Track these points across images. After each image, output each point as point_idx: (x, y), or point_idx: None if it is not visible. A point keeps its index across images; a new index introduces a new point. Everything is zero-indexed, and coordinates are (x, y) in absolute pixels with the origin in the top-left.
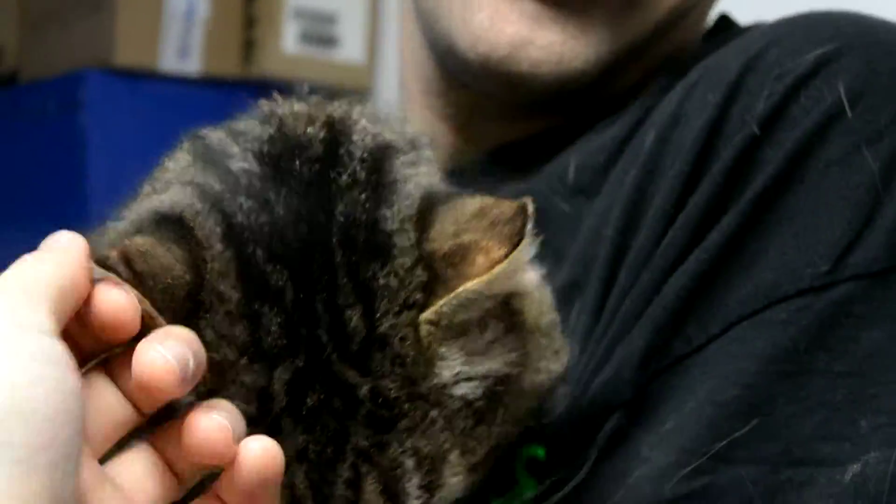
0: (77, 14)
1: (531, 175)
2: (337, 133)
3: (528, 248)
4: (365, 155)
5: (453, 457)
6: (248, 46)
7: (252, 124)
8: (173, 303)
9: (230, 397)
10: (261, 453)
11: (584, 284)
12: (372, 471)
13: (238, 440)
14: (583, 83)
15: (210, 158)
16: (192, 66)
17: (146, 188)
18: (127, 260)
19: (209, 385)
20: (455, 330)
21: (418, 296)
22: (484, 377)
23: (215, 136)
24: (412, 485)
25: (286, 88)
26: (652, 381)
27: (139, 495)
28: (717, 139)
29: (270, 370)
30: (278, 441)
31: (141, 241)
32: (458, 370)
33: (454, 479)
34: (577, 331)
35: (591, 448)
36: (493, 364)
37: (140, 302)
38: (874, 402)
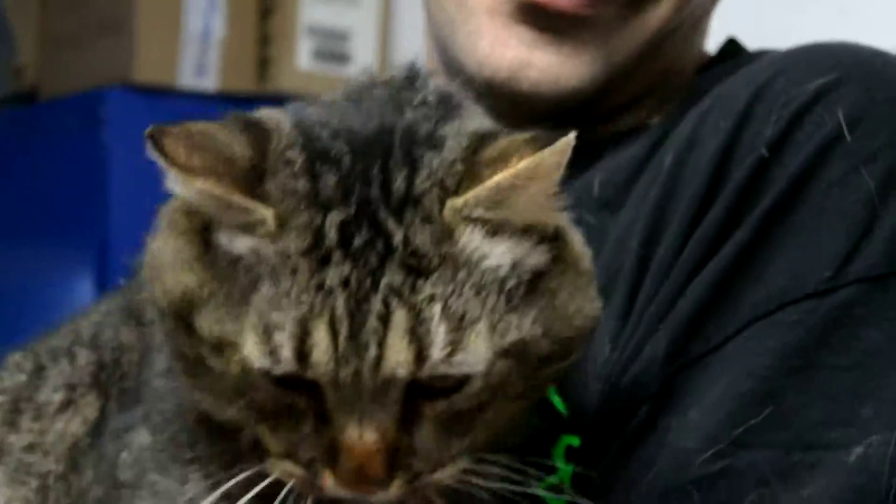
0: (97, 33)
1: None
2: (415, 74)
3: (557, 156)
4: (436, 91)
5: (481, 327)
6: (263, 63)
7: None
8: (234, 170)
9: (288, 237)
10: None
11: (611, 291)
12: (401, 307)
13: None
14: (581, 99)
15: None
16: (210, 82)
17: None
18: (187, 132)
19: (271, 231)
20: (483, 209)
21: (450, 181)
22: (513, 263)
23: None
24: (437, 333)
25: None
26: (676, 377)
27: None
28: (730, 161)
29: (324, 214)
30: (327, 269)
31: (202, 125)
32: (477, 245)
33: (480, 348)
34: (606, 333)
35: (622, 437)
36: (523, 254)
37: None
38: (874, 392)
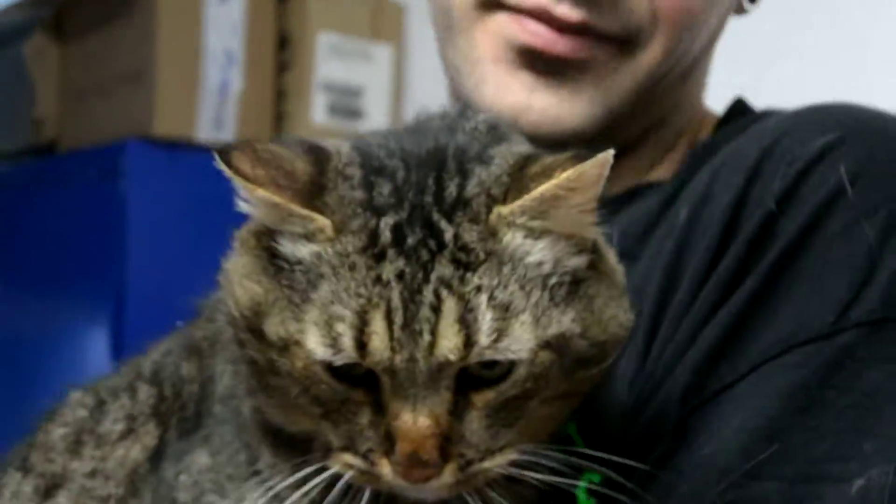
0: (117, 87)
1: None
2: (466, 107)
3: (598, 168)
4: (485, 120)
5: (526, 317)
6: (279, 117)
7: None
8: (294, 183)
9: (346, 239)
10: None
11: (631, 333)
12: (451, 297)
13: None
14: (583, 139)
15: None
16: (227, 135)
17: None
18: (252, 149)
19: (330, 237)
20: (528, 218)
21: (497, 191)
22: (555, 262)
23: None
24: (484, 320)
25: None
26: (690, 417)
27: None
28: (741, 215)
29: (378, 217)
30: (383, 264)
31: (269, 145)
32: (520, 243)
33: (523, 335)
34: (626, 374)
35: (640, 472)
36: (563, 255)
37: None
38: (874, 429)
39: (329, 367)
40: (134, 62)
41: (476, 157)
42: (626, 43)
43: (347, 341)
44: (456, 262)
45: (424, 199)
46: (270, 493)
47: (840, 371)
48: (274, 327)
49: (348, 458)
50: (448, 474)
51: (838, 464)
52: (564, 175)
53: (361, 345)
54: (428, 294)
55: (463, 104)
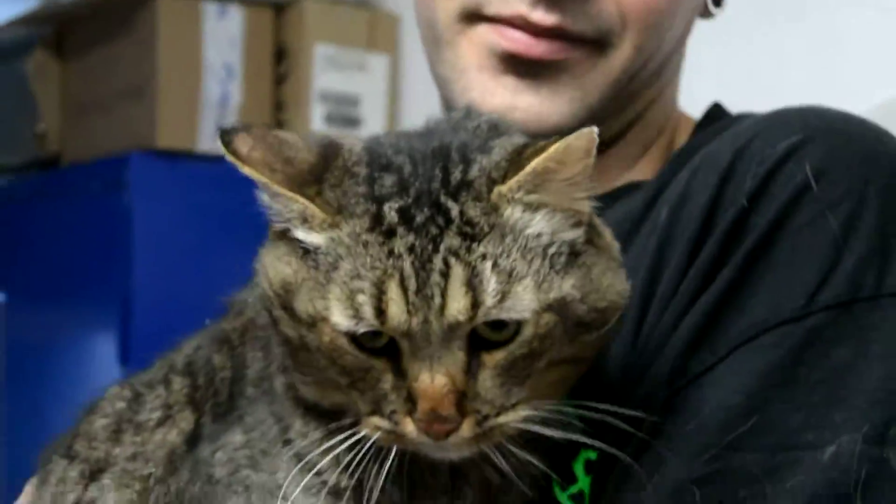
0: (119, 100)
1: None
2: (470, 110)
3: (583, 141)
4: (487, 120)
5: (528, 282)
6: (278, 128)
7: None
8: (289, 169)
9: (353, 222)
10: None
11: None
12: (458, 264)
13: None
14: (566, 135)
15: None
16: None
17: None
18: (260, 132)
19: (327, 223)
20: (524, 192)
21: (497, 174)
22: (552, 233)
23: None
24: (489, 283)
25: None
26: (676, 395)
27: None
28: (717, 211)
29: (380, 203)
30: (394, 240)
31: (284, 132)
32: (519, 216)
33: (526, 297)
34: (618, 358)
35: (630, 448)
36: (560, 227)
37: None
38: (844, 401)
39: (353, 339)
40: (135, 77)
41: (478, 149)
42: (598, 43)
43: (368, 310)
44: (462, 235)
45: (431, 185)
46: (302, 463)
47: (811, 349)
48: (303, 305)
49: (376, 420)
50: (466, 429)
51: (812, 433)
52: (553, 147)
53: (380, 312)
54: (437, 262)
55: (467, 107)
